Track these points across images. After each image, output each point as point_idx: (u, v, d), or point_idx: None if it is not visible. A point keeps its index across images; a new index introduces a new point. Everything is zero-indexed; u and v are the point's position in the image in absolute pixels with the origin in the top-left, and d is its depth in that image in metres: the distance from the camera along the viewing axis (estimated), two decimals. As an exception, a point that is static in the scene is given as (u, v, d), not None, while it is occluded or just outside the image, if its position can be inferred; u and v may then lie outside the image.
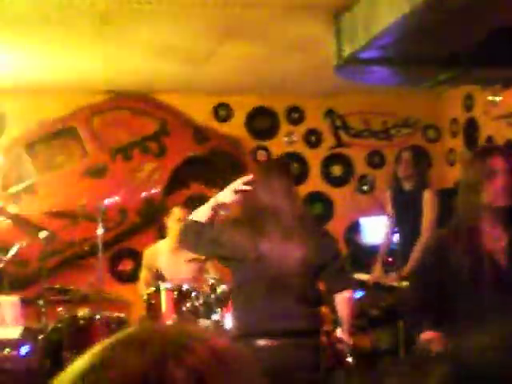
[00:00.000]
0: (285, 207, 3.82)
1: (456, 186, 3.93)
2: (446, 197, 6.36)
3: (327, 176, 8.73)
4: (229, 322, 5.36)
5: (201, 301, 5.60)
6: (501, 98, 7.32)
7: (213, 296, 5.58)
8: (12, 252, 6.19)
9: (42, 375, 5.50)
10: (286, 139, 8.62)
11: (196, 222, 3.93)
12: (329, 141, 8.71)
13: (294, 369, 3.68)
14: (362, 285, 6.59)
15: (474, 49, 5.25)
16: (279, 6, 5.14)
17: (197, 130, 8.29)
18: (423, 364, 3.63)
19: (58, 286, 6.65)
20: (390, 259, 6.73)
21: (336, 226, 8.01)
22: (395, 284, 6.31)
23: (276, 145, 8.58)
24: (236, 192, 3.91)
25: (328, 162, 8.73)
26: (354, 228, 8.40)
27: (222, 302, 5.54)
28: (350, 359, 4.05)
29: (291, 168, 8.08)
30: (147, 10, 5.15)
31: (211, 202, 3.96)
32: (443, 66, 5.58)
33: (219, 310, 5.55)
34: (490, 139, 7.61)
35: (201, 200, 8.19)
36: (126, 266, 8.21)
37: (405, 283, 6.10)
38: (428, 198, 6.48)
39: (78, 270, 7.67)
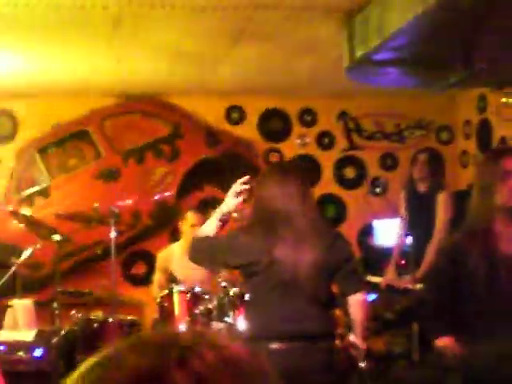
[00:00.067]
0: (298, 210, 3.81)
1: (469, 188, 3.92)
2: (460, 199, 6.34)
3: (340, 178, 8.70)
4: (242, 324, 5.35)
5: (214, 303, 5.58)
6: (514, 99, 7.28)
7: (226, 298, 5.56)
8: (25, 255, 6.20)
9: (56, 378, 5.51)
10: (298, 141, 8.61)
11: (205, 237, 3.93)
12: (341, 143, 8.69)
13: (308, 372, 3.67)
14: (375, 287, 6.57)
15: (486, 50, 5.23)
16: (291, 8, 5.13)
17: (209, 133, 8.29)
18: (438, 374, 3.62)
19: (71, 289, 6.65)
20: (403, 262, 6.70)
21: (349, 229, 7.98)
22: (409, 287, 6.29)
23: (288, 147, 8.56)
24: (237, 195, 3.93)
25: (341, 164, 8.71)
26: (366, 230, 8.38)
27: (234, 304, 5.53)
28: (363, 364, 4.03)
29: (305, 170, 8.06)
30: (159, 14, 5.15)
31: (217, 215, 3.97)
32: (455, 67, 5.55)
33: (232, 312, 5.53)
34: (503, 141, 7.57)
35: (214, 203, 8.24)
36: (139, 268, 8.22)
37: (418, 286, 6.08)
38: (442, 200, 6.45)
39: (92, 273, 7.69)
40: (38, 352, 5.76)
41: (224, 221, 3.97)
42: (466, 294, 3.41)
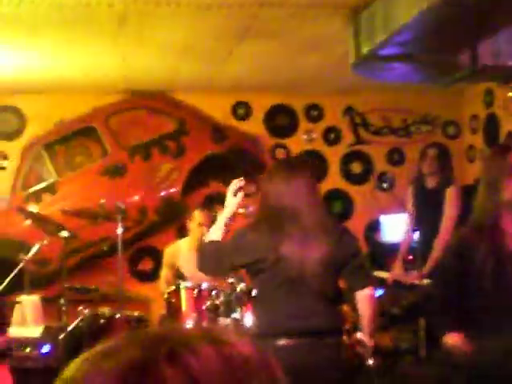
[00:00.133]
0: (304, 206, 3.80)
1: (476, 183, 3.91)
2: (466, 194, 6.33)
3: (347, 174, 8.70)
4: (249, 320, 5.35)
5: (221, 299, 5.59)
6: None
7: (233, 294, 5.57)
8: (33, 251, 6.22)
9: (63, 374, 5.51)
10: (305, 137, 8.60)
11: (211, 241, 3.96)
12: (348, 138, 8.69)
13: (315, 368, 3.66)
14: (381, 283, 6.56)
15: (492, 45, 5.22)
16: (297, 4, 5.13)
17: (215, 129, 8.29)
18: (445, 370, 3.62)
19: (78, 286, 6.67)
20: (410, 257, 6.70)
21: (356, 224, 7.98)
22: (416, 282, 6.28)
23: (295, 143, 8.56)
24: (235, 193, 3.95)
25: (347, 159, 8.71)
26: (373, 226, 8.37)
27: (241, 300, 5.53)
28: (370, 362, 4.03)
29: (313, 166, 8.06)
30: (165, 11, 5.15)
31: (221, 220, 3.99)
32: (461, 62, 5.54)
33: (239, 308, 5.54)
34: (510, 135, 7.55)
35: (219, 198, 8.25)
36: (146, 264, 8.23)
37: (425, 281, 6.07)
38: (451, 195, 6.43)
39: (98, 269, 7.71)
40: (45, 348, 5.78)
41: (228, 226, 3.99)
42: (472, 290, 3.41)
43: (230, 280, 5.70)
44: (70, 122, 8.05)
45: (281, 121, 8.58)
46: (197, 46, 6.19)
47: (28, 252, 6.23)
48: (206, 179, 8.33)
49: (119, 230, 6.01)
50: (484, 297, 3.36)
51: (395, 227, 7.66)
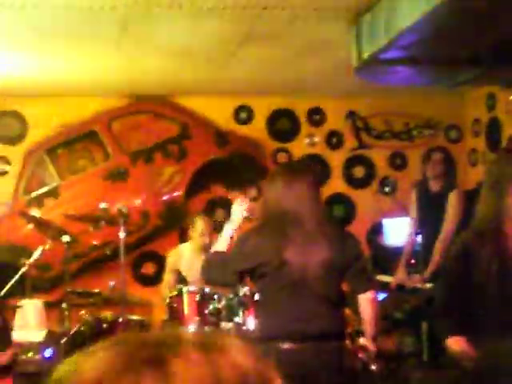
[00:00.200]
0: (307, 211, 3.80)
1: (478, 187, 3.90)
2: (468, 198, 6.32)
3: (349, 178, 8.69)
4: (251, 324, 5.34)
5: (223, 303, 5.58)
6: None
7: (235, 299, 5.56)
8: (35, 255, 6.21)
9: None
10: (307, 141, 8.60)
11: (216, 252, 3.98)
12: (350, 142, 8.68)
13: (319, 372, 3.66)
14: (384, 287, 6.55)
15: (496, 48, 5.21)
16: (299, 8, 5.13)
17: (218, 133, 8.29)
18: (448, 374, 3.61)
19: (80, 290, 6.66)
20: (412, 261, 6.69)
21: (358, 228, 7.96)
22: (418, 286, 6.28)
23: (297, 147, 8.56)
24: (241, 211, 4.00)
25: (350, 163, 8.70)
26: (376, 230, 8.37)
27: (244, 304, 5.52)
28: (373, 367, 4.02)
29: (315, 169, 8.06)
30: (167, 14, 5.15)
31: (226, 233, 4.01)
32: (465, 65, 5.54)
33: (241, 312, 5.53)
34: (512, 139, 7.55)
35: (221, 203, 8.24)
36: (149, 269, 8.23)
37: (428, 285, 6.07)
38: (454, 199, 6.42)
39: (101, 273, 7.70)
40: (47, 352, 5.77)
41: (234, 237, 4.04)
42: (476, 293, 3.40)
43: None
44: (73, 127, 8.05)
45: (283, 125, 8.57)
46: (199, 49, 6.19)
47: (30, 256, 6.23)
48: (208, 184, 8.33)
49: (121, 235, 6.01)
50: (488, 300, 3.35)
51: (397, 231, 7.66)
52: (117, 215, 6.10)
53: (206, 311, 5.64)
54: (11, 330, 4.89)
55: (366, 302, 3.89)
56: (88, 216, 7.33)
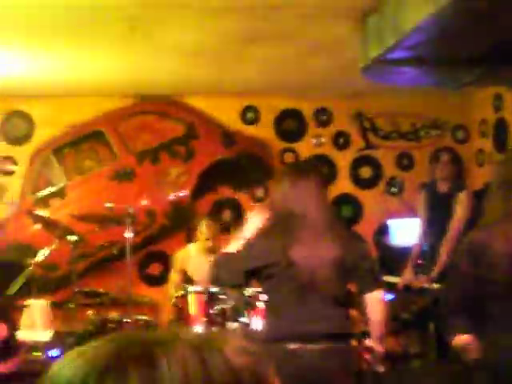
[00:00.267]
0: (313, 211, 3.80)
1: (485, 187, 3.90)
2: (476, 198, 6.31)
3: (356, 178, 8.68)
4: (257, 324, 5.34)
5: (229, 304, 5.59)
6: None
7: (241, 299, 5.56)
8: (42, 255, 6.23)
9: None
10: (314, 141, 8.59)
11: (223, 253, 3.99)
12: (357, 143, 8.67)
13: (325, 372, 3.66)
14: (391, 288, 6.54)
15: (502, 49, 5.20)
16: (306, 8, 5.12)
17: (224, 133, 8.29)
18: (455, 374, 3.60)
19: (87, 290, 6.68)
20: (419, 261, 6.68)
21: (365, 229, 7.96)
22: (425, 286, 6.27)
23: (304, 147, 8.55)
24: (257, 216, 4.03)
25: (356, 164, 8.69)
26: (382, 230, 8.35)
27: (250, 305, 5.53)
28: (380, 368, 4.02)
29: (321, 170, 8.06)
30: (175, 14, 5.15)
31: (238, 240, 4.02)
32: (472, 66, 5.53)
33: (247, 312, 5.54)
34: (519, 139, 7.53)
35: (228, 204, 8.25)
36: (155, 269, 8.23)
37: (435, 285, 6.05)
38: (462, 200, 6.41)
39: (107, 273, 7.71)
40: (54, 352, 5.78)
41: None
42: (485, 291, 3.40)
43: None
44: (79, 127, 8.06)
45: (290, 125, 8.57)
46: (206, 49, 6.19)
47: (36, 256, 6.25)
48: (215, 184, 8.33)
49: (128, 234, 6.02)
50: (497, 298, 3.35)
51: (404, 231, 7.64)
52: (123, 215, 6.11)
53: (212, 311, 5.64)
54: (16, 339, 4.89)
55: (374, 302, 3.87)
56: (94, 216, 7.35)
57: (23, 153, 8.07)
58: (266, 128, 8.46)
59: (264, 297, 4.04)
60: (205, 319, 5.66)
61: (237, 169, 8.27)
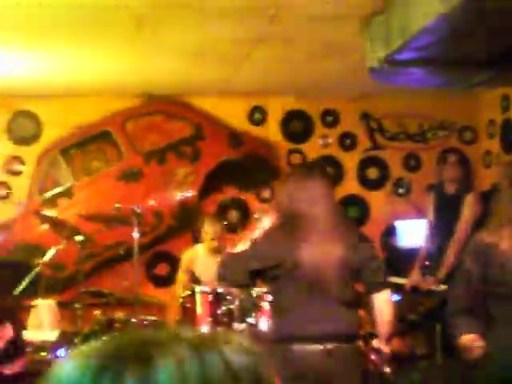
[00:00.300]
0: (320, 212, 3.80)
1: (493, 188, 3.90)
2: (483, 199, 6.30)
3: (363, 179, 8.67)
4: (263, 325, 5.34)
5: (236, 304, 5.59)
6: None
7: (248, 299, 5.56)
8: (49, 255, 6.24)
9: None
10: (320, 142, 8.59)
11: (231, 252, 4.01)
12: (364, 144, 8.66)
13: (332, 373, 3.65)
14: (398, 289, 6.53)
15: (510, 50, 5.19)
16: (313, 9, 5.11)
17: (231, 134, 8.29)
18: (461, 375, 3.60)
19: (94, 290, 6.69)
20: (427, 263, 6.67)
21: (372, 230, 7.95)
22: (432, 288, 6.26)
23: (311, 148, 8.54)
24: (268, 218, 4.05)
25: (364, 165, 8.68)
26: (389, 231, 8.34)
27: (256, 305, 5.52)
28: (387, 369, 4.01)
29: (328, 171, 8.07)
30: (182, 14, 5.15)
31: (248, 240, 4.04)
32: (480, 67, 5.51)
33: (254, 313, 5.53)
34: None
35: (234, 204, 8.25)
36: (162, 269, 8.23)
37: (442, 287, 6.05)
38: (469, 201, 6.41)
39: (114, 273, 7.72)
40: (60, 352, 5.79)
41: None
42: (492, 291, 3.40)
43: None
44: (87, 127, 8.07)
45: (297, 126, 8.56)
46: (213, 50, 6.19)
47: (43, 256, 6.26)
48: (222, 185, 8.33)
49: (135, 235, 6.02)
50: (504, 298, 3.35)
51: (411, 232, 7.63)
52: (130, 215, 6.12)
53: (219, 312, 5.65)
54: (23, 339, 4.90)
55: (381, 302, 3.87)
56: (102, 216, 7.36)
57: (31, 153, 8.08)
58: (272, 129, 8.46)
59: (270, 297, 4.05)
60: (211, 320, 5.66)
61: (243, 169, 8.28)
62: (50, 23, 5.36)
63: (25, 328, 5.99)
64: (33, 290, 6.41)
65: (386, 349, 3.92)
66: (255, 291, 5.58)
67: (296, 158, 8.48)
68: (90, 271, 7.50)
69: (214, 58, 6.49)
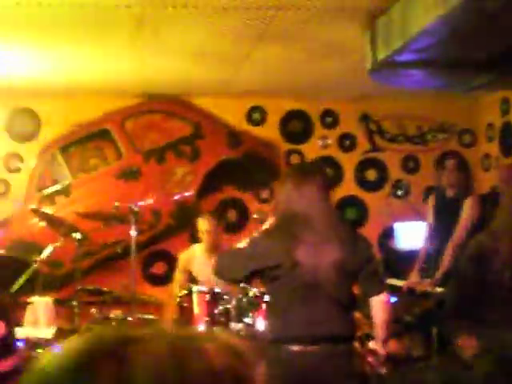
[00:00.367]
0: (318, 212, 3.79)
1: (492, 191, 3.90)
2: (482, 202, 6.30)
3: (361, 180, 8.67)
4: (260, 325, 5.34)
5: (233, 304, 5.58)
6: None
7: (245, 299, 5.56)
8: (46, 253, 6.23)
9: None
10: (320, 143, 8.58)
11: (230, 248, 4.03)
12: (363, 145, 8.66)
13: (328, 375, 3.65)
14: (395, 290, 6.53)
15: (510, 53, 5.19)
16: (314, 9, 5.11)
17: (231, 134, 8.29)
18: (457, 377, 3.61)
19: (91, 288, 6.68)
20: (424, 265, 6.67)
21: (370, 231, 7.94)
22: (429, 290, 6.26)
23: (310, 148, 8.54)
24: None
25: (362, 166, 8.68)
26: (387, 233, 8.34)
27: (253, 305, 5.52)
28: (383, 371, 4.01)
29: (325, 171, 8.06)
30: (182, 14, 5.15)
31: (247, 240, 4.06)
32: (480, 69, 5.51)
33: (251, 313, 5.53)
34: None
35: (233, 204, 8.25)
36: (159, 268, 8.23)
37: (438, 289, 6.05)
38: (468, 205, 6.40)
39: (111, 271, 7.72)
40: (56, 349, 5.78)
41: None
42: (489, 294, 3.39)
43: (242, 284, 5.70)
44: (86, 125, 8.07)
45: (296, 126, 8.56)
46: (213, 49, 6.19)
47: (41, 253, 6.25)
48: (221, 184, 8.33)
49: (133, 233, 6.02)
50: (501, 301, 3.35)
51: (410, 235, 7.63)
52: (128, 214, 6.11)
53: (216, 311, 5.64)
54: (15, 337, 4.89)
55: (379, 304, 3.87)
56: (100, 214, 7.35)
57: (29, 150, 8.08)
58: (272, 129, 8.46)
59: (267, 298, 4.05)
60: (208, 319, 5.66)
61: (242, 169, 8.28)
62: (50, 23, 5.35)
63: (18, 325, 5.98)
64: (30, 287, 6.41)
65: (382, 351, 3.92)
66: (252, 291, 5.58)
67: (295, 159, 8.48)
68: (88, 269, 7.49)
69: (214, 57, 6.48)
